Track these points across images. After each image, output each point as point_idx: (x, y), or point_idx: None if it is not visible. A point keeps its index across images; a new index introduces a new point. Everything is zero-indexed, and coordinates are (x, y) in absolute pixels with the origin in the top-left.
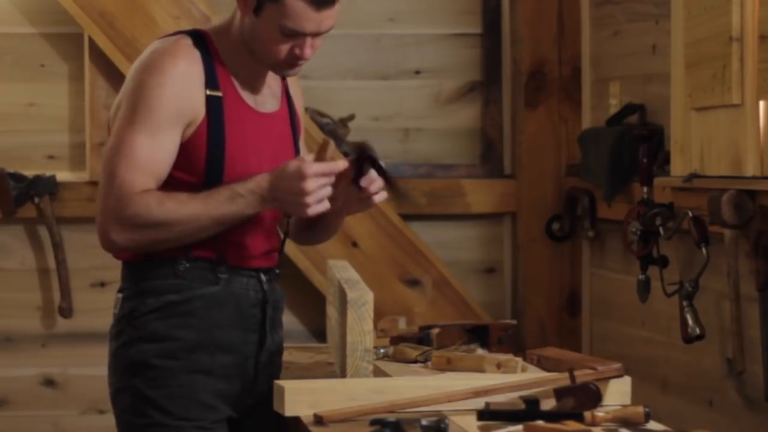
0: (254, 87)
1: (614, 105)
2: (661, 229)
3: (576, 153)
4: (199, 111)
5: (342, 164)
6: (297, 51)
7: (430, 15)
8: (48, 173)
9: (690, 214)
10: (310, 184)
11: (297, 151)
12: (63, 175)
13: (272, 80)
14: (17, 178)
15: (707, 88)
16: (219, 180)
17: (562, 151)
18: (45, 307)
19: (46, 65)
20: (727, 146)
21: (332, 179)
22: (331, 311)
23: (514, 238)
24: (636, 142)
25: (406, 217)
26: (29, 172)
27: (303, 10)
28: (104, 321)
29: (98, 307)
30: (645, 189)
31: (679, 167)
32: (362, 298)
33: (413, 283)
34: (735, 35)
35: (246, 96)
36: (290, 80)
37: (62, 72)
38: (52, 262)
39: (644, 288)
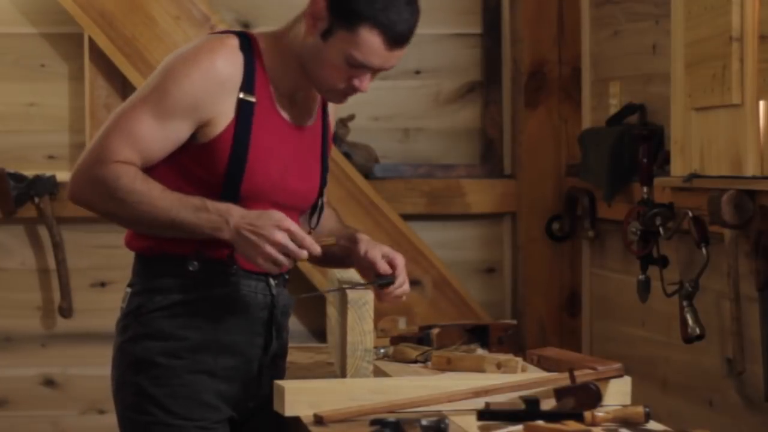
0: (293, 99)
1: (614, 105)
2: (661, 229)
3: (576, 153)
4: (228, 113)
5: (316, 250)
6: (356, 83)
7: (430, 15)
8: (48, 173)
9: (690, 214)
10: (279, 236)
11: (324, 168)
12: (63, 175)
13: (313, 95)
14: (17, 178)
15: (707, 88)
16: (238, 184)
17: (562, 151)
18: (45, 307)
19: (46, 65)
20: (727, 146)
21: (297, 249)
22: (331, 311)
23: (514, 238)
24: (636, 142)
25: (406, 217)
26: (29, 172)
27: (377, 45)
28: (104, 321)
29: (98, 307)
30: (645, 189)
31: (679, 167)
32: (362, 298)
33: (413, 283)
34: (735, 35)
35: (281, 106)
36: None
37: (62, 72)
38: (52, 262)
39: (644, 288)
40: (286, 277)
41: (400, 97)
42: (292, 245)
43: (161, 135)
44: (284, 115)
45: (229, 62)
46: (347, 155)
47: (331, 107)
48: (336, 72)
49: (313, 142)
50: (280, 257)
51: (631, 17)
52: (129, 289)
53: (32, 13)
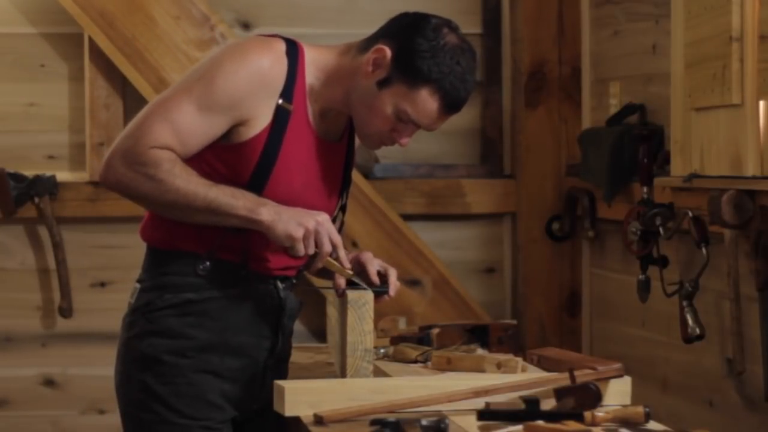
0: (326, 115)
1: (614, 105)
2: (661, 229)
3: (576, 153)
4: (265, 116)
5: (341, 256)
6: (396, 135)
7: None
8: (48, 173)
9: (690, 214)
10: (320, 229)
11: (346, 184)
12: (63, 175)
13: (344, 114)
14: (17, 178)
15: (707, 88)
16: (260, 190)
17: (562, 151)
18: (45, 307)
19: (46, 65)
20: (727, 146)
21: (328, 245)
22: (331, 311)
23: (514, 238)
24: (636, 142)
25: (406, 217)
26: (29, 172)
27: (433, 108)
28: (104, 321)
29: (98, 307)
30: (645, 189)
31: (679, 167)
32: (362, 298)
33: (413, 283)
34: (735, 35)
35: (314, 120)
36: None
37: (62, 72)
38: (52, 262)
39: (644, 288)
40: (294, 281)
41: None
42: (326, 239)
43: (201, 127)
44: (316, 128)
45: (276, 65)
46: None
47: None
48: (382, 121)
49: (338, 160)
50: (311, 243)
51: (631, 17)
52: (138, 285)
53: (32, 13)
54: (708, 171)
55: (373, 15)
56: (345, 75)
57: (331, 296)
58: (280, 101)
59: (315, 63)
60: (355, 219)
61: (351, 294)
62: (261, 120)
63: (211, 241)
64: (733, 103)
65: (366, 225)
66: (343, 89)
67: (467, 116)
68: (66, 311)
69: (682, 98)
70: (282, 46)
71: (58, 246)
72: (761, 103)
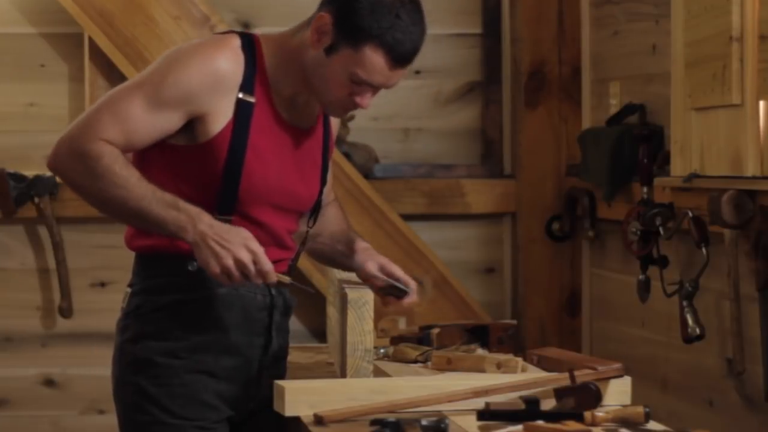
0: (294, 102)
1: (614, 105)
2: (661, 229)
3: (576, 153)
4: (226, 113)
5: (271, 280)
6: (357, 99)
7: (430, 15)
8: (48, 173)
9: (690, 214)
10: (244, 255)
11: (324, 171)
12: None
13: (313, 98)
14: (17, 178)
15: (707, 88)
16: (236, 185)
17: (562, 151)
18: (45, 307)
19: (46, 65)
20: (727, 146)
21: (256, 274)
22: (331, 311)
23: (514, 238)
24: (636, 142)
25: (406, 217)
26: (29, 172)
27: (380, 64)
28: (104, 321)
29: (98, 307)
30: (645, 189)
31: (679, 167)
32: (362, 298)
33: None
34: (735, 35)
35: (282, 108)
36: None
37: (62, 72)
38: (52, 262)
39: (644, 288)
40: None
41: (400, 97)
42: (252, 268)
43: (150, 121)
44: (284, 116)
45: (230, 61)
46: (347, 155)
47: None
48: (338, 87)
49: (314, 145)
50: (237, 274)
51: (631, 17)
52: (129, 289)
53: (32, 13)
54: (708, 171)
55: None
56: (299, 53)
57: (331, 296)
58: (241, 95)
59: (272, 51)
60: (354, 219)
61: (351, 294)
62: (222, 116)
63: None
64: (733, 103)
65: (366, 225)
66: (301, 68)
67: (467, 116)
68: (66, 311)
69: (682, 98)
70: (237, 41)
71: (58, 246)
72: (761, 103)
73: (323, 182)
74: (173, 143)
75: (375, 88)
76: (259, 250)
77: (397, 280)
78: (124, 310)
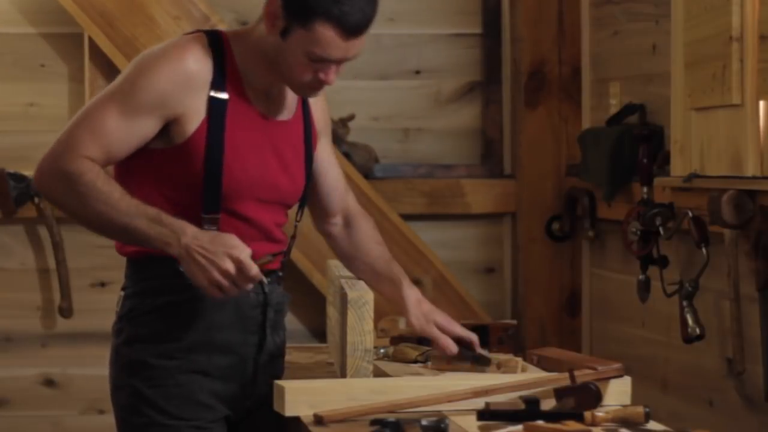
0: (267, 94)
1: (614, 105)
2: (661, 229)
3: (576, 153)
4: (199, 112)
5: (261, 281)
6: (322, 76)
7: (430, 15)
8: None
9: (690, 214)
10: (229, 265)
11: (309, 162)
12: None
13: (288, 90)
14: (17, 178)
15: (707, 88)
16: (218, 182)
17: (562, 151)
18: (45, 307)
19: (46, 65)
20: (727, 146)
21: (243, 280)
22: (332, 311)
23: (514, 238)
24: (636, 142)
25: (406, 217)
26: (29, 172)
27: (332, 38)
28: (104, 321)
29: (98, 307)
30: (645, 189)
31: (679, 167)
32: (362, 298)
33: (413, 283)
34: (735, 35)
35: (256, 102)
36: None
37: (62, 72)
38: (52, 262)
39: (644, 288)
40: (280, 274)
41: (400, 97)
42: (236, 275)
43: (126, 131)
44: (259, 110)
45: (198, 60)
46: (347, 155)
47: (320, 101)
48: (300, 68)
49: (294, 136)
50: (226, 284)
51: (631, 17)
52: (122, 293)
53: (32, 13)
54: (708, 171)
55: None
56: (263, 44)
57: (331, 296)
58: (212, 93)
59: (240, 46)
60: None
61: (351, 294)
62: (196, 116)
63: None
64: (733, 103)
65: None
66: (267, 59)
67: (467, 116)
68: (66, 311)
69: (682, 98)
70: (203, 40)
71: (58, 246)
72: (761, 103)
73: (309, 172)
74: (152, 147)
75: (337, 63)
76: (243, 255)
77: (468, 343)
78: (117, 313)
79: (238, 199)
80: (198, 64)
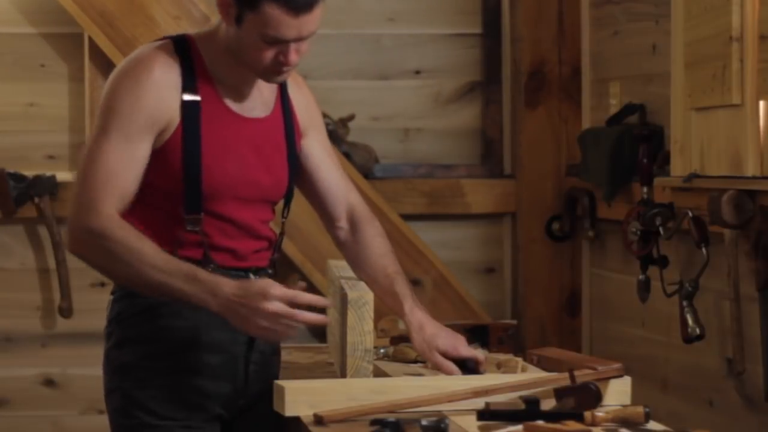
0: (241, 92)
1: (614, 105)
2: (661, 229)
3: (576, 153)
4: (174, 116)
5: (308, 297)
6: (281, 58)
7: (430, 15)
8: (48, 173)
9: (690, 214)
10: (270, 306)
11: (292, 157)
12: (63, 175)
13: (264, 86)
14: (17, 178)
15: (707, 88)
16: (198, 184)
17: (562, 151)
18: (45, 307)
19: (46, 65)
20: (727, 146)
21: (293, 312)
22: (332, 311)
23: (514, 238)
24: (636, 142)
25: (406, 217)
26: (29, 172)
27: (281, 17)
28: (104, 321)
29: (98, 307)
30: (645, 189)
31: (679, 167)
32: (362, 298)
33: (413, 283)
34: (735, 35)
35: (230, 101)
36: (295, 85)
37: (62, 72)
38: (52, 262)
39: (644, 288)
40: (269, 271)
41: (400, 97)
42: (286, 310)
43: (133, 159)
44: (234, 108)
45: (165, 66)
46: (347, 155)
47: (296, 96)
48: (259, 53)
49: (274, 133)
50: (278, 326)
51: (631, 17)
52: (111, 297)
53: (32, 13)
54: (708, 171)
55: (373, 15)
56: (226, 40)
57: (331, 296)
58: (185, 96)
59: (207, 46)
60: None
61: (351, 294)
62: (172, 121)
63: (169, 243)
64: (733, 103)
65: None
66: (231, 53)
67: (467, 116)
68: (66, 311)
69: (682, 98)
70: (168, 46)
71: (58, 246)
72: (761, 103)
73: (293, 168)
74: None
75: (294, 42)
76: (280, 291)
77: (466, 360)
78: (107, 317)
79: (219, 199)
80: (165, 72)
